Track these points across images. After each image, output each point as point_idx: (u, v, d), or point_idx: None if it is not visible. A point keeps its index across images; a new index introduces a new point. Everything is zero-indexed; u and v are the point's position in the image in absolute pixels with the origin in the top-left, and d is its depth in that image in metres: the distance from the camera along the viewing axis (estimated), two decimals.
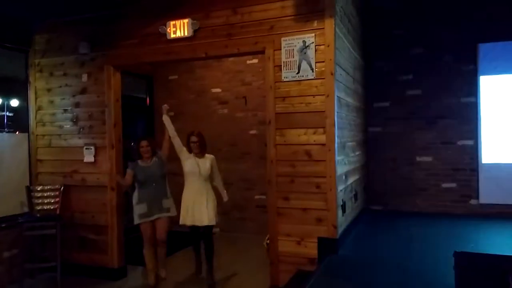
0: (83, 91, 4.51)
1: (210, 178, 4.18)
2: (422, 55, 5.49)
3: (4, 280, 4.25)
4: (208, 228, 4.11)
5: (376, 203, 5.63)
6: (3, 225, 4.25)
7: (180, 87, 6.83)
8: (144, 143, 4.10)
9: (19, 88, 4.73)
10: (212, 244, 4.20)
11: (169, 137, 4.12)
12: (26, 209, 4.49)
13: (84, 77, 4.46)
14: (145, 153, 4.07)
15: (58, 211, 4.37)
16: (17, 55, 4.69)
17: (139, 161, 4.09)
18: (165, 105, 4.25)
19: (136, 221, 4.03)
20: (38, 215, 4.30)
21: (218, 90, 6.62)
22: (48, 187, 4.44)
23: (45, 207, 4.36)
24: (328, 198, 3.49)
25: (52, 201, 4.38)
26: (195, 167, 4.06)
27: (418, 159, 5.51)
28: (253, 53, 3.85)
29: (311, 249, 3.54)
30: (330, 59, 3.46)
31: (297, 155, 3.59)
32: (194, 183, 4.07)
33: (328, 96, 3.46)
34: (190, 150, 4.13)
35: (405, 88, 5.56)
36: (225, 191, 4.31)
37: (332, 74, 3.45)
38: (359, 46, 5.04)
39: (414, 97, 5.52)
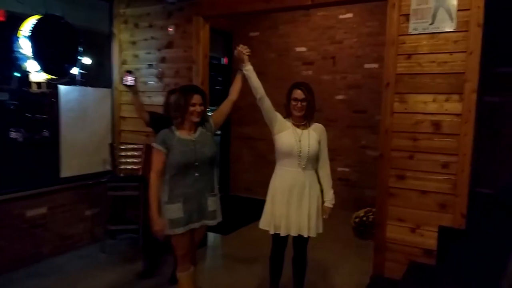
0: (169, 45, 4.14)
1: (317, 163, 2.74)
2: None
3: (85, 238, 4.18)
4: (306, 240, 2.77)
5: (485, 185, 4.86)
6: (85, 183, 4.14)
7: (261, 44, 6.30)
8: (198, 98, 2.50)
9: (102, 41, 4.47)
10: (307, 262, 2.92)
11: (236, 97, 2.77)
12: (107, 167, 4.34)
13: (172, 30, 4.07)
14: (196, 116, 2.50)
15: (140, 172, 4.16)
16: (101, 5, 4.39)
17: (177, 132, 2.53)
18: (242, 45, 2.73)
19: (167, 230, 2.49)
20: (122, 174, 4.11)
21: (303, 49, 6.01)
22: (131, 146, 4.22)
23: (128, 167, 4.16)
24: (458, 180, 2.87)
25: (135, 161, 4.16)
26: (294, 143, 2.62)
27: None
28: (373, 0, 3.18)
29: (429, 238, 2.97)
30: (479, 6, 2.72)
31: (421, 126, 2.97)
32: (292, 168, 2.65)
33: (471, 53, 2.76)
34: (288, 114, 2.74)
35: None
36: (332, 190, 2.77)
37: (479, 25, 2.73)
38: None
39: None
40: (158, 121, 3.34)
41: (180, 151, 2.46)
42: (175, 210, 2.47)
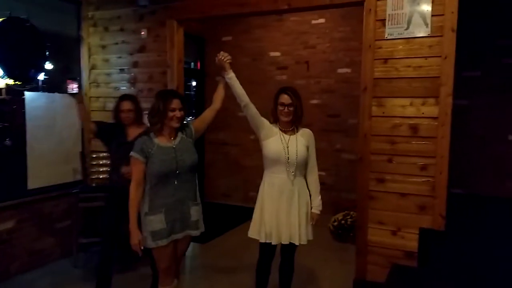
0: (141, 49, 4.01)
1: (306, 168, 2.70)
2: None
3: (56, 253, 3.97)
4: (295, 247, 2.73)
5: (457, 186, 5.00)
6: (54, 194, 3.93)
7: (234, 49, 6.23)
8: (177, 102, 2.37)
9: (70, 45, 4.29)
10: (294, 268, 2.87)
11: (219, 106, 2.66)
12: (78, 177, 4.15)
13: (144, 33, 3.95)
14: (176, 122, 2.38)
15: None
16: (69, 7, 4.22)
17: (156, 139, 2.39)
18: (223, 53, 2.61)
19: (149, 243, 2.36)
20: (94, 184, 3.94)
21: (277, 53, 6.01)
22: (103, 155, 4.05)
23: (100, 176, 3.99)
24: (436, 182, 2.92)
25: (108, 169, 3.99)
26: (282, 149, 2.56)
27: (510, 137, 4.80)
28: (350, 4, 3.20)
29: (410, 241, 3.01)
30: (452, 12, 2.79)
31: (399, 129, 3.00)
32: (280, 175, 2.59)
33: (446, 58, 2.82)
34: (275, 119, 2.66)
35: (502, 54, 4.78)
36: (319, 196, 2.74)
37: (453, 30, 2.80)
38: None
39: (511, 66, 4.74)
40: (106, 131, 3.17)
41: (159, 160, 2.34)
42: (156, 222, 2.35)
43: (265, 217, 2.60)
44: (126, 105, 3.10)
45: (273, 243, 2.60)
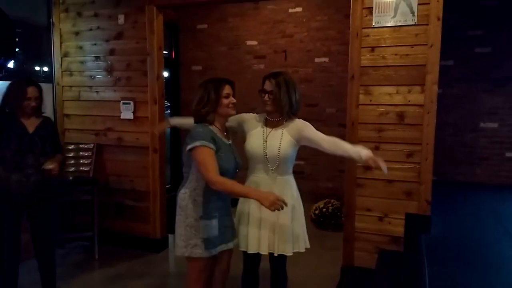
0: (119, 35, 3.83)
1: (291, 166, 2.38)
2: (495, 8, 4.84)
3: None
4: (283, 258, 2.36)
5: None
6: None
7: (210, 38, 6.13)
8: (230, 88, 2.20)
9: (40, 32, 4.04)
10: (287, 281, 2.49)
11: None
12: None
13: (121, 19, 3.77)
14: (232, 109, 2.21)
15: (91, 174, 3.84)
16: None
17: (215, 131, 2.15)
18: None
19: (200, 252, 2.08)
20: (71, 178, 3.76)
21: (254, 42, 5.94)
22: (80, 146, 3.87)
23: (81, 168, 3.82)
24: (422, 169, 2.98)
25: (85, 162, 3.83)
26: (260, 144, 2.28)
27: (482, 125, 5.01)
28: None
29: (396, 226, 3.07)
30: (438, 0, 2.83)
31: (386, 117, 3.04)
32: (259, 175, 2.30)
33: (431, 46, 2.86)
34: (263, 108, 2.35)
35: (472, 45, 4.96)
36: (356, 146, 2.27)
37: (439, 19, 2.84)
38: None
39: (482, 55, 4.93)
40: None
41: (226, 156, 2.11)
42: (211, 227, 2.08)
43: (243, 224, 2.32)
44: (34, 91, 2.65)
45: (245, 250, 2.31)
